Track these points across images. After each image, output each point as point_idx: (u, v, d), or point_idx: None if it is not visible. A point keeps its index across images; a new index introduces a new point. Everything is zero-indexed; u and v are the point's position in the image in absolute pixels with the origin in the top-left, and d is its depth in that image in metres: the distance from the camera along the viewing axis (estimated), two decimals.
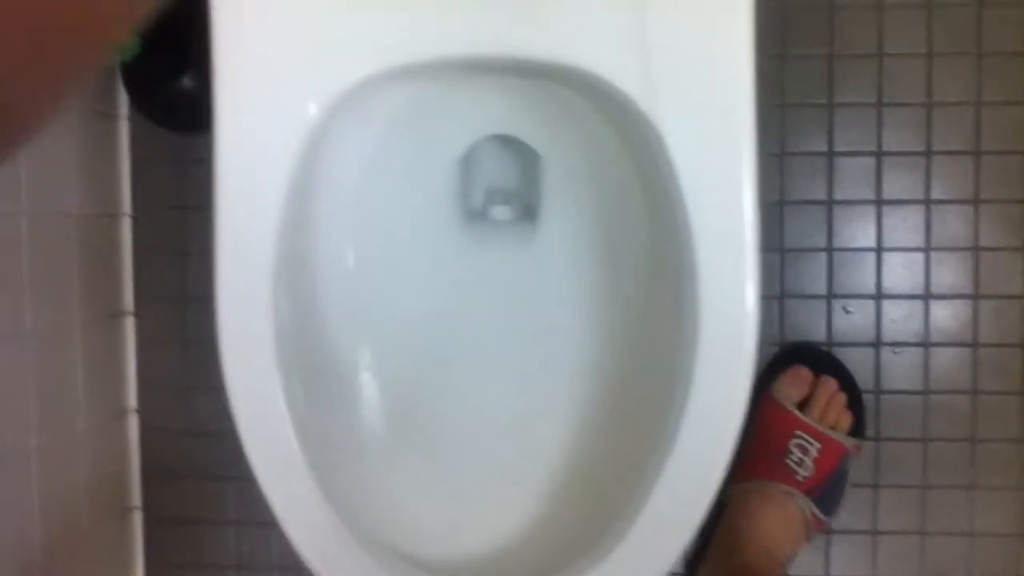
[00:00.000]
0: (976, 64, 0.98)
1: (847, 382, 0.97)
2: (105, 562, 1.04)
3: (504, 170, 0.81)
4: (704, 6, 0.58)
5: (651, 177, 0.67)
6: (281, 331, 0.63)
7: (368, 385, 0.73)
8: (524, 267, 0.78)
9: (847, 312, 1.01)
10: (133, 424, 1.08)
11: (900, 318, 1.00)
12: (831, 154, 1.00)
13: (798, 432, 0.91)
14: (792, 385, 0.93)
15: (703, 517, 0.61)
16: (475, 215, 0.80)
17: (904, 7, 0.99)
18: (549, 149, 0.77)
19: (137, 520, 1.09)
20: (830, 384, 0.94)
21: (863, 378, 1.00)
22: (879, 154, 1.00)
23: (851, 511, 0.99)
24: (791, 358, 0.98)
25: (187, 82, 1.02)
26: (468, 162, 0.79)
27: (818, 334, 1.01)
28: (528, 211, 0.80)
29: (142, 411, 1.08)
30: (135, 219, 1.08)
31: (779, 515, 0.90)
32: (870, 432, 0.99)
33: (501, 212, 0.79)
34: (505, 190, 0.81)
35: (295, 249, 0.67)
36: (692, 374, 0.60)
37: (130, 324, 1.08)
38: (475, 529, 0.69)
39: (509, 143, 0.79)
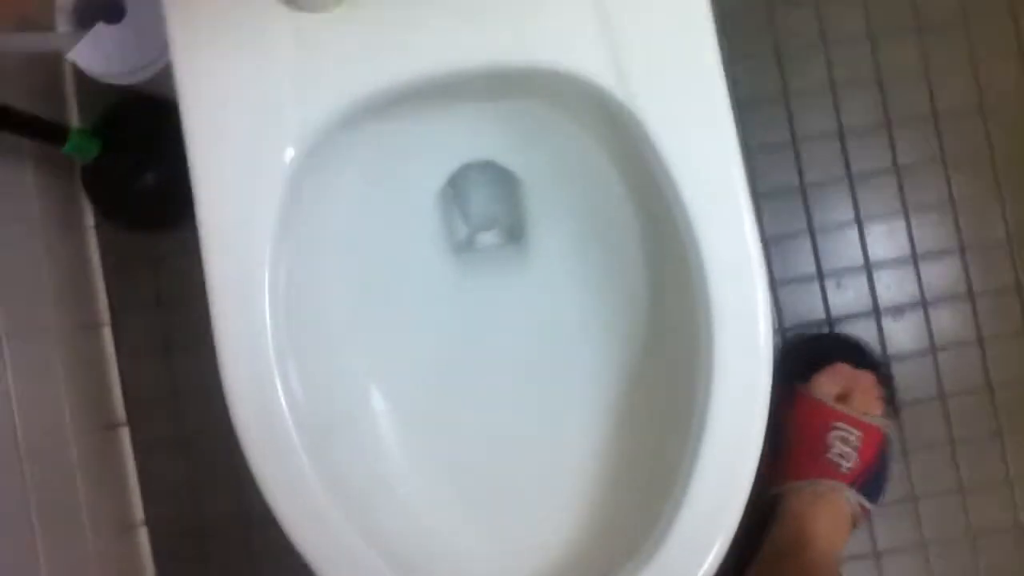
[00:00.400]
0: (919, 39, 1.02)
1: (872, 362, 0.97)
2: None
3: (485, 197, 0.81)
4: None
5: (636, 172, 0.67)
6: (290, 394, 0.61)
7: (382, 425, 0.71)
8: (520, 287, 0.77)
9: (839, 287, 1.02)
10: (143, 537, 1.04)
11: (894, 284, 1.01)
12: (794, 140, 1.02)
13: (837, 424, 0.90)
14: (832, 382, 0.93)
15: (741, 510, 0.60)
16: (462, 245, 0.80)
17: None
18: (527, 170, 0.77)
19: None
20: (867, 377, 0.93)
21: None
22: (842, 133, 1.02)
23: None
24: (812, 349, 0.98)
25: (149, 180, 1.02)
26: (448, 194, 0.78)
27: (816, 314, 1.02)
28: (514, 234, 0.80)
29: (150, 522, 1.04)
30: (115, 326, 1.06)
31: (832, 513, 0.89)
32: None
33: (487, 238, 0.78)
34: (488, 216, 0.80)
35: (292, 304, 0.65)
36: (712, 362, 0.59)
37: (125, 432, 1.05)
38: (509, 553, 0.67)
39: (486, 170, 0.78)
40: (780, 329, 1.02)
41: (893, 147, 1.01)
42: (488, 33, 0.60)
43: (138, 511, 1.04)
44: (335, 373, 0.71)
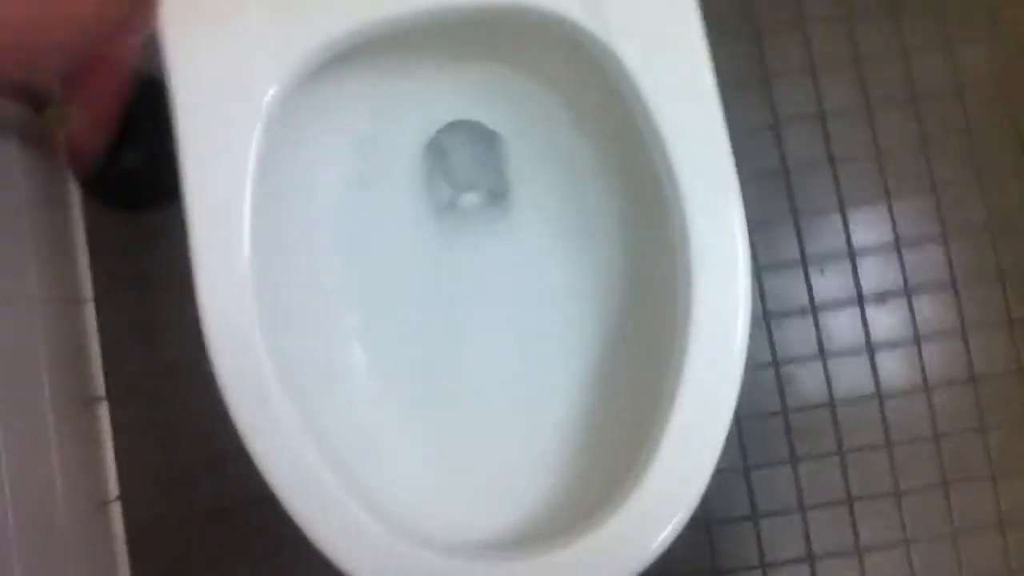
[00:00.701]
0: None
1: None
2: None
3: (468, 157, 0.81)
4: None
5: (612, 122, 0.68)
6: (268, 326, 0.61)
7: (363, 379, 0.71)
8: (502, 246, 0.77)
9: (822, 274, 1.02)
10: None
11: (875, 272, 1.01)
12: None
13: None
14: None
15: (718, 452, 0.59)
16: (445, 206, 0.80)
17: None
18: (510, 131, 0.77)
19: None
20: None
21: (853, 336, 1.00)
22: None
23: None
24: None
25: (133, 156, 1.02)
26: (432, 155, 0.79)
27: (800, 299, 1.02)
28: (496, 195, 0.80)
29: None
30: (98, 302, 1.05)
31: None
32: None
33: (470, 199, 0.79)
34: (471, 177, 0.81)
35: (272, 252, 0.65)
36: (689, 308, 0.59)
37: (104, 410, 1.04)
38: (483, 503, 0.66)
39: (471, 131, 0.79)
40: (762, 315, 1.02)
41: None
42: None
43: (113, 488, 1.03)
44: (315, 326, 0.71)
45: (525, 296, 0.75)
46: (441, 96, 0.76)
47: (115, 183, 1.05)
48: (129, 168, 1.03)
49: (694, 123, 0.59)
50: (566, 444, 0.70)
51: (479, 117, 0.77)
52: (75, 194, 1.06)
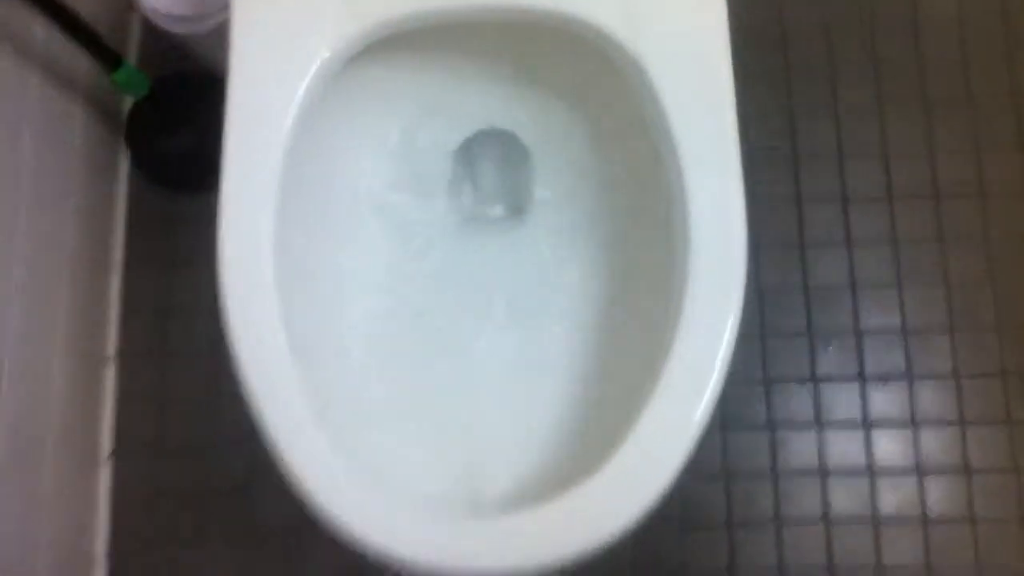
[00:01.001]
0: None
1: None
2: None
3: (495, 169, 0.85)
4: None
5: (634, 137, 0.71)
6: (280, 266, 0.64)
7: (365, 347, 0.73)
8: (515, 248, 0.80)
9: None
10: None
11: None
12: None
13: None
14: None
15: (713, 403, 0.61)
16: (466, 210, 0.83)
17: None
18: (535, 144, 0.81)
19: None
20: None
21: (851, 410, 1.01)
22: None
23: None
24: None
25: (186, 139, 1.08)
26: (462, 159, 0.83)
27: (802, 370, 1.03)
28: (516, 209, 0.83)
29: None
30: (125, 271, 1.09)
31: None
32: None
33: (493, 210, 0.83)
34: (495, 190, 0.84)
35: (296, 204, 0.69)
36: (684, 290, 0.61)
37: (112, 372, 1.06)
38: (480, 462, 0.67)
39: (498, 144, 0.83)
40: (764, 379, 1.03)
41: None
42: None
43: (106, 448, 1.04)
44: (324, 294, 0.74)
45: (528, 291, 0.78)
46: (476, 103, 0.80)
47: (165, 163, 1.10)
48: (180, 151, 1.09)
49: (710, 141, 0.63)
50: (559, 419, 0.71)
51: (510, 127, 0.81)
52: (124, 167, 1.11)
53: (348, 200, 0.78)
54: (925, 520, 0.99)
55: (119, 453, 1.04)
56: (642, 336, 0.68)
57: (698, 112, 0.63)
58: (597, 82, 0.74)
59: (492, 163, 0.84)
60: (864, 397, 1.01)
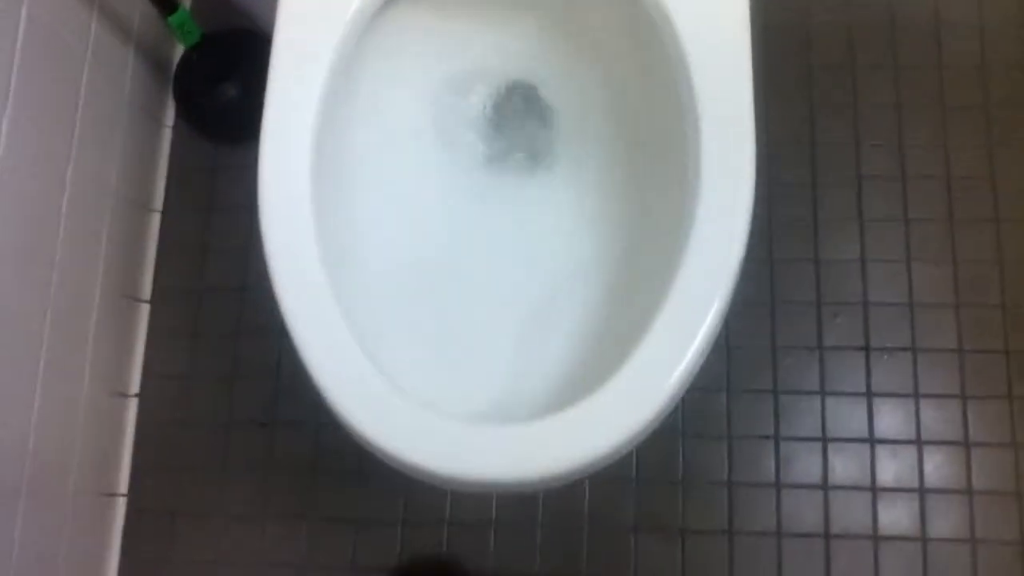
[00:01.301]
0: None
1: None
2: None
3: (520, 123, 0.89)
4: None
5: (655, 88, 0.75)
6: (316, 191, 0.68)
7: (383, 268, 0.78)
8: (532, 200, 0.84)
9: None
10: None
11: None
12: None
13: None
14: None
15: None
16: (491, 158, 0.87)
17: None
18: (557, 99, 0.86)
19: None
20: None
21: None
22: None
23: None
24: None
25: (231, 91, 1.13)
26: (489, 109, 0.87)
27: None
28: (537, 159, 0.87)
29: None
30: (164, 215, 1.14)
31: None
32: None
33: (515, 158, 0.87)
34: (519, 140, 0.89)
35: (330, 143, 0.73)
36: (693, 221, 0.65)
37: (145, 312, 1.11)
38: (485, 385, 0.71)
39: (523, 98, 0.87)
40: (772, 346, 1.06)
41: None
42: None
43: (135, 384, 1.09)
44: (354, 218, 0.78)
45: (541, 235, 0.82)
46: (506, 56, 0.85)
47: (209, 113, 1.15)
48: (224, 103, 1.14)
49: (726, 99, 0.67)
50: (569, 343, 0.75)
51: (536, 82, 0.86)
52: (169, 114, 1.16)
53: (379, 138, 0.82)
54: (922, 490, 1.01)
55: (145, 389, 1.10)
56: (653, 266, 0.72)
57: (717, 67, 0.67)
58: (621, 27, 0.78)
59: (517, 114, 0.88)
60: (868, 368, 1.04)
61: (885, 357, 1.05)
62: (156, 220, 1.14)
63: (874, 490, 1.02)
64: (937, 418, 1.03)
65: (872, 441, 1.03)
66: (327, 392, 0.63)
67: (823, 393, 1.04)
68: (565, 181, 0.84)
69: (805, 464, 1.03)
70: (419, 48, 0.82)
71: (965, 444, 1.02)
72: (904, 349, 1.05)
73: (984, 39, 1.14)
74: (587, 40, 0.82)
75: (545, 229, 0.82)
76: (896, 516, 1.01)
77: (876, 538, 1.00)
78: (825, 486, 1.02)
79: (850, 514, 1.01)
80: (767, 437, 1.03)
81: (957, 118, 1.11)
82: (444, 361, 0.75)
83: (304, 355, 0.64)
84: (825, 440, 1.03)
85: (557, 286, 0.79)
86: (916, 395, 1.04)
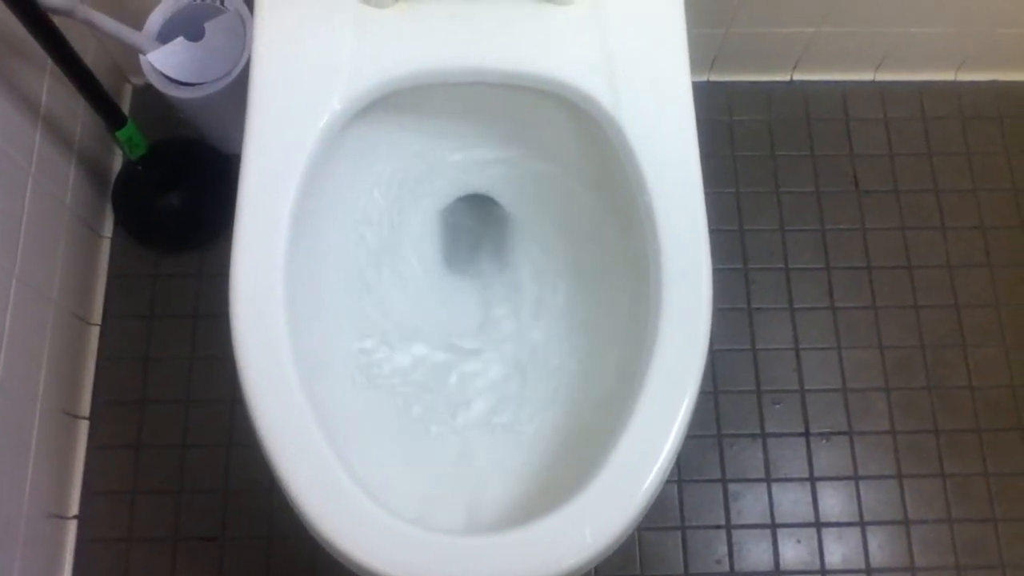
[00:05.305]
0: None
1: None
2: None
3: (473, 235, 0.93)
4: (649, 25, 0.75)
5: (612, 194, 0.79)
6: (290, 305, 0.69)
7: (354, 377, 0.78)
8: (500, 300, 0.87)
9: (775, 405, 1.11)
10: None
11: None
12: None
13: None
14: None
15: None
16: (451, 262, 0.90)
17: None
18: (517, 208, 0.89)
19: None
20: None
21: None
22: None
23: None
24: None
25: (176, 200, 1.13)
26: (446, 218, 0.90)
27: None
28: (500, 265, 0.90)
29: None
30: (103, 326, 1.12)
31: None
32: None
33: (475, 268, 0.90)
34: (474, 251, 0.92)
35: (304, 231, 0.74)
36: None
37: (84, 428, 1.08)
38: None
39: (480, 210, 0.91)
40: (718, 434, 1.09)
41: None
42: (515, 46, 0.75)
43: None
44: (322, 323, 0.79)
45: (505, 336, 0.84)
46: (463, 167, 0.88)
47: (154, 222, 1.14)
48: (170, 211, 1.14)
49: (679, 194, 0.71)
50: (539, 458, 0.76)
51: (493, 192, 0.89)
52: (108, 224, 1.15)
53: (344, 245, 0.84)
54: (868, 570, 1.05)
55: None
56: (615, 372, 0.75)
57: (670, 171, 0.72)
58: (576, 139, 0.82)
59: (472, 230, 0.92)
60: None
61: (824, 441, 1.10)
62: (95, 333, 1.12)
63: (823, 572, 1.05)
64: (878, 499, 1.08)
65: (818, 525, 1.07)
66: (319, 528, 0.63)
67: (768, 480, 1.08)
68: (525, 281, 0.87)
69: (757, 551, 1.05)
70: (380, 155, 0.85)
71: (905, 522, 1.07)
72: (841, 433, 1.10)
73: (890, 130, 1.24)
74: (541, 148, 0.86)
75: (508, 330, 0.84)
76: None
77: None
78: (777, 571, 1.05)
79: None
80: (719, 527, 1.06)
81: (873, 203, 1.20)
82: (414, 468, 0.76)
83: (287, 485, 0.63)
84: (774, 527, 1.06)
85: (523, 386, 0.81)
86: (856, 477, 1.08)
